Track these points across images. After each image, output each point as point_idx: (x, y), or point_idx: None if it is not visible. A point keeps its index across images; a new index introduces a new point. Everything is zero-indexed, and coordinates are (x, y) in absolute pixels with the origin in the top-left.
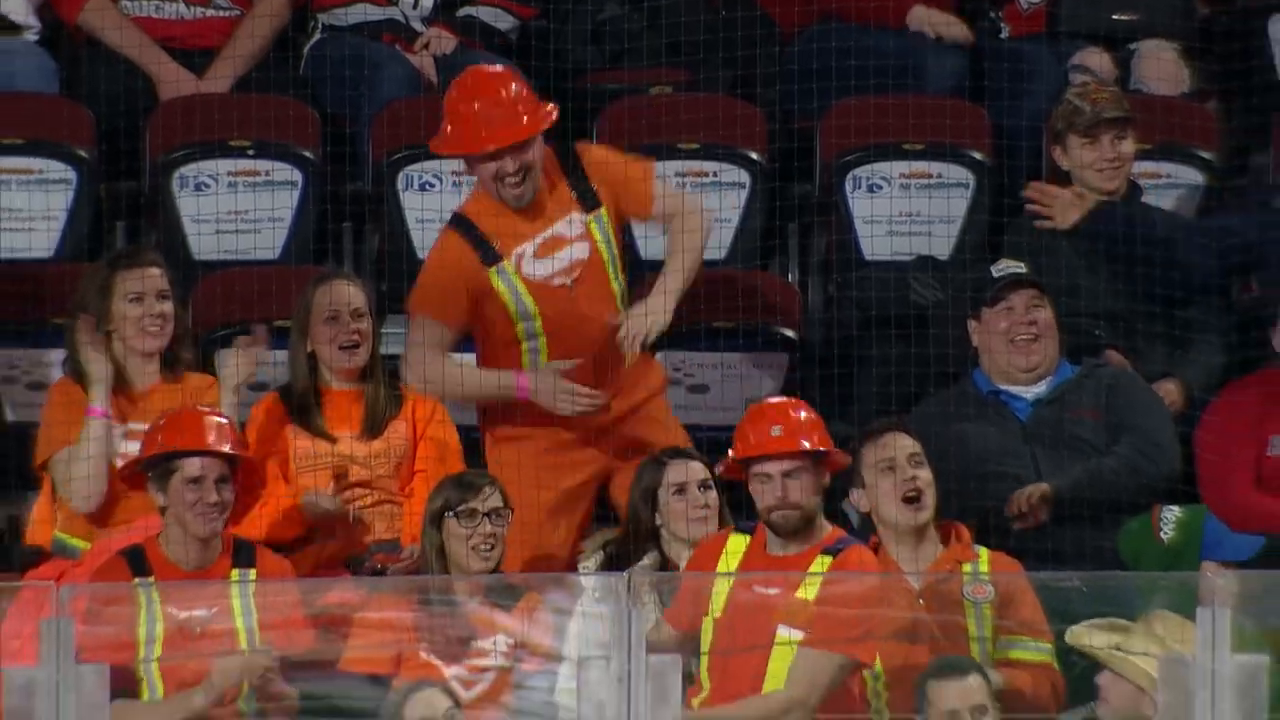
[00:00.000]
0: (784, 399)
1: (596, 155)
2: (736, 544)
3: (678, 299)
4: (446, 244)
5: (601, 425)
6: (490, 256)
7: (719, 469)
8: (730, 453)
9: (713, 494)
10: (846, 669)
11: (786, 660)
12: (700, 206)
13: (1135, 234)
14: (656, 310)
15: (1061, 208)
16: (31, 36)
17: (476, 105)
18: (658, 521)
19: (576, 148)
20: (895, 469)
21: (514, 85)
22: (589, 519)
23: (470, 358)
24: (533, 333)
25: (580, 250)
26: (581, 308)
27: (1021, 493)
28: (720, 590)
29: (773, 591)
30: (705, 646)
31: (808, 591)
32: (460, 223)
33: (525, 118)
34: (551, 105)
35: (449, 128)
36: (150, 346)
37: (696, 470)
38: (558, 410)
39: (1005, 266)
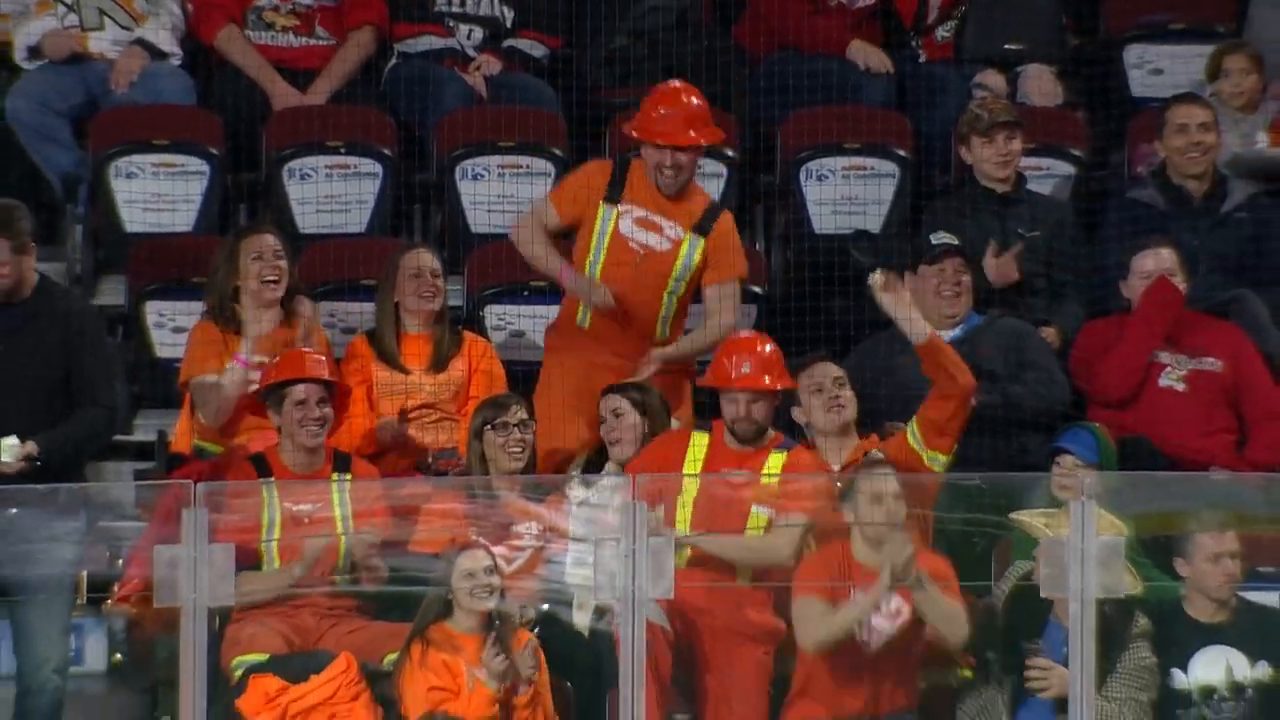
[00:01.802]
0: (754, 334)
1: (731, 223)
2: (700, 439)
3: (683, 357)
4: (598, 164)
5: (622, 370)
6: (615, 194)
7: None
8: (708, 376)
9: (635, 416)
10: (811, 528)
11: (760, 528)
12: (732, 324)
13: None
14: (665, 355)
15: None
16: (175, 61)
17: (664, 110)
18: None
19: (723, 209)
20: (823, 390)
21: (696, 100)
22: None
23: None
24: (593, 271)
25: (662, 246)
26: (633, 283)
27: None
28: (691, 484)
29: (740, 476)
30: (685, 528)
31: (769, 479)
32: (619, 160)
33: (696, 131)
34: (719, 129)
35: (641, 117)
36: (268, 296)
37: (616, 400)
38: (582, 295)
39: (942, 237)
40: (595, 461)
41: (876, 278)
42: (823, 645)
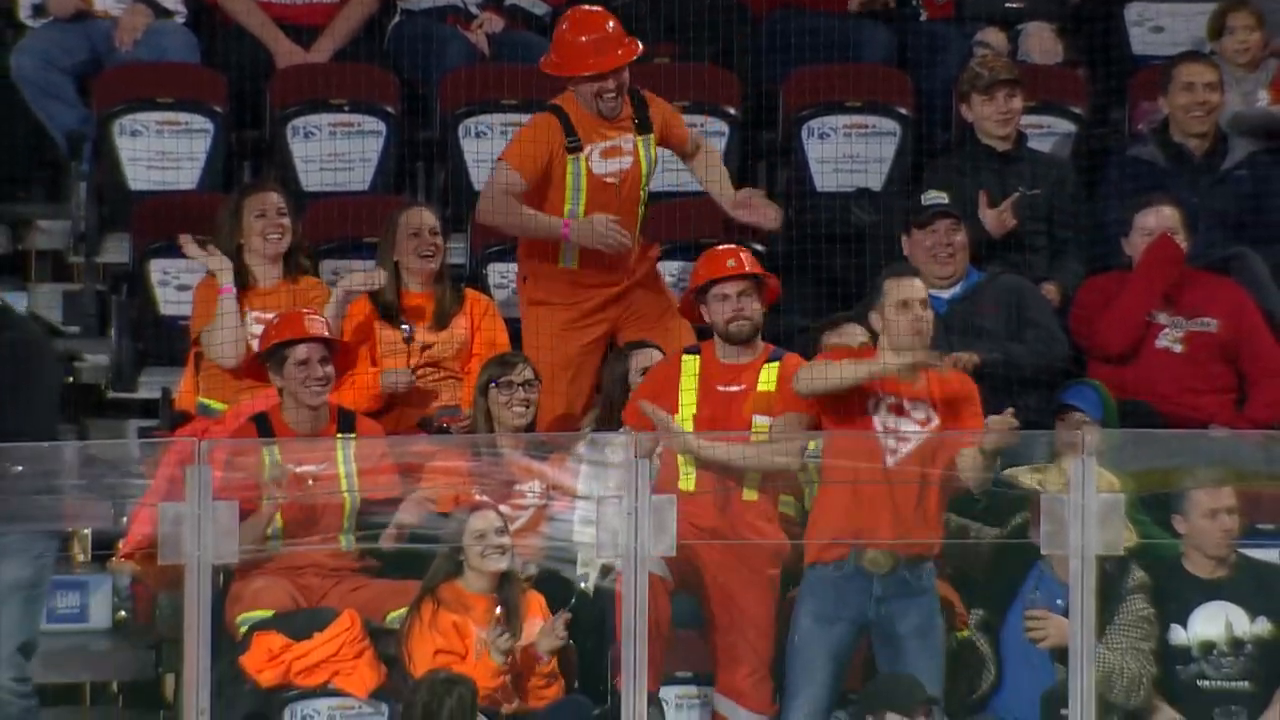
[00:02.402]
0: (731, 245)
1: (660, 101)
2: (690, 362)
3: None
4: (543, 120)
5: (611, 295)
6: (574, 144)
7: (678, 305)
8: (692, 282)
9: None
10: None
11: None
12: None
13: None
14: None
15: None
16: (179, 19)
17: (585, 37)
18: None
19: (643, 92)
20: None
21: (611, 22)
22: (598, 376)
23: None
24: (575, 215)
25: (627, 161)
26: (616, 205)
27: (958, 358)
28: (689, 389)
29: (736, 388)
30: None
31: (765, 387)
32: (557, 110)
33: (622, 49)
34: (633, 42)
35: (562, 54)
36: (272, 251)
37: (656, 356)
38: (596, 244)
39: (933, 197)
40: (606, 418)
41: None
42: (815, 390)
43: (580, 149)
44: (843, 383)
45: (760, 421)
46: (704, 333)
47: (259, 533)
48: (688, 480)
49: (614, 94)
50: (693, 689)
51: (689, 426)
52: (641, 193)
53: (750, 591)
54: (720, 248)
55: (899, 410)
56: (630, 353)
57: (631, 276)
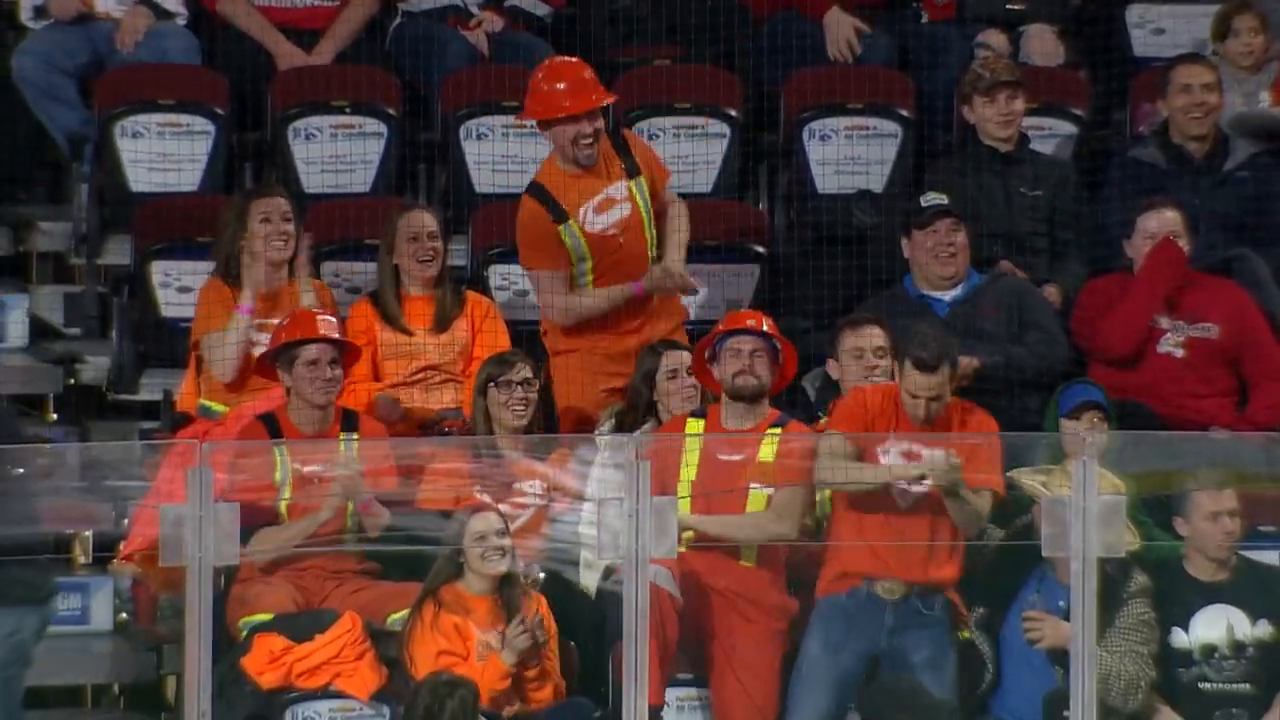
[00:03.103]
0: (755, 311)
1: (637, 139)
2: (695, 425)
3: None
4: (526, 208)
5: (640, 342)
6: (559, 215)
7: (691, 365)
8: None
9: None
10: (810, 498)
11: (760, 508)
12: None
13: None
14: (676, 259)
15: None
16: (181, 21)
17: (561, 84)
18: (655, 398)
19: (624, 132)
20: (862, 357)
21: (586, 71)
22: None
23: None
24: (584, 273)
25: (625, 209)
26: (627, 252)
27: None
28: (691, 461)
29: (737, 457)
30: (685, 507)
31: (765, 455)
32: (535, 189)
33: (596, 94)
34: (607, 91)
35: (537, 100)
36: (277, 257)
37: (686, 358)
38: (680, 290)
39: (932, 198)
40: (624, 425)
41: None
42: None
43: (566, 218)
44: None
45: (757, 493)
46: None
47: (281, 546)
48: (684, 544)
49: (590, 139)
50: (693, 691)
51: (686, 493)
52: (647, 235)
53: (752, 640)
54: (745, 310)
55: (912, 456)
56: (663, 351)
57: (657, 328)
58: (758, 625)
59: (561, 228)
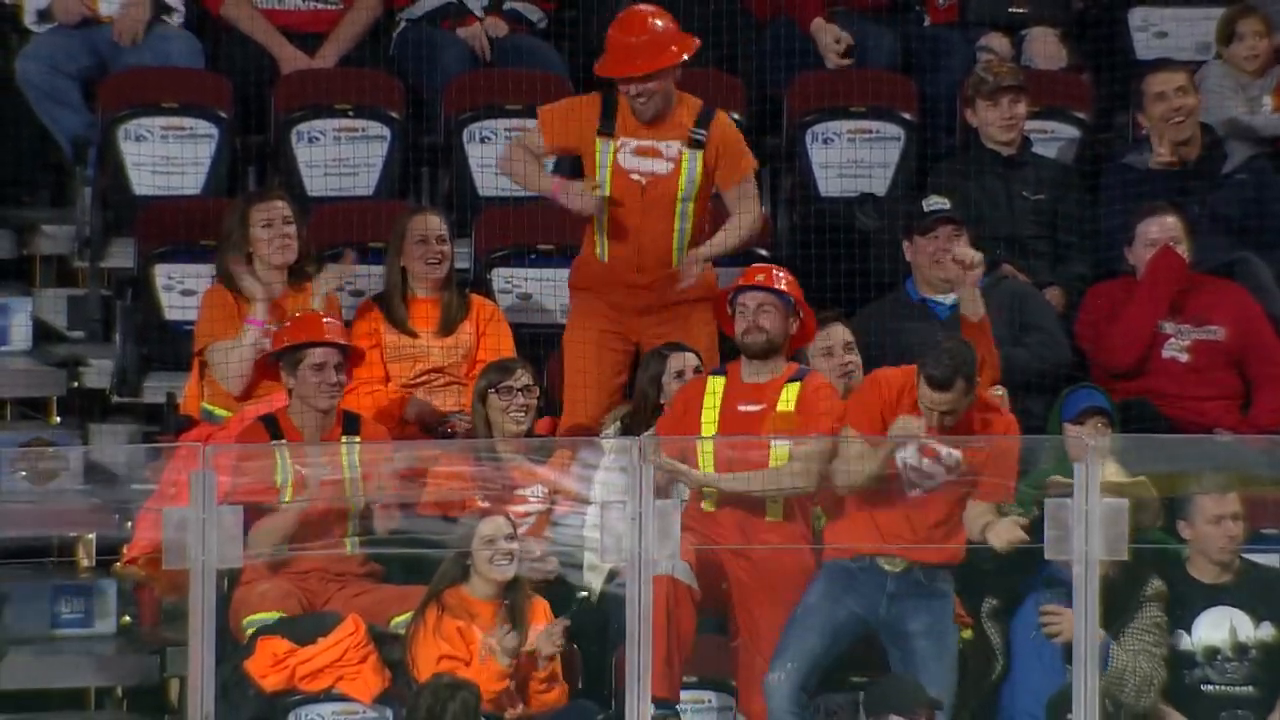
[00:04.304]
0: (771, 265)
1: (727, 125)
2: (715, 383)
3: (717, 254)
4: (588, 97)
5: (647, 304)
6: (608, 127)
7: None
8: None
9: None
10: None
11: (782, 460)
12: (759, 214)
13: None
14: (701, 254)
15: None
16: (179, 17)
17: (632, 38)
18: (661, 400)
19: (716, 111)
20: (832, 354)
21: (660, 21)
22: (622, 394)
23: None
24: (603, 211)
25: (663, 168)
26: (642, 209)
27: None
28: (710, 419)
29: (756, 408)
30: (708, 465)
31: (784, 407)
32: (607, 93)
33: (655, 56)
34: (679, 49)
35: (607, 54)
36: (279, 261)
37: (692, 360)
38: (573, 206)
39: (933, 202)
40: (630, 426)
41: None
42: (854, 489)
43: (613, 135)
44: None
45: (778, 446)
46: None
47: (278, 537)
48: (709, 502)
49: (643, 99)
50: (701, 694)
51: (709, 447)
52: (678, 205)
53: (773, 611)
54: (759, 265)
55: (929, 453)
56: (668, 354)
57: (663, 282)
58: (778, 591)
59: (599, 141)
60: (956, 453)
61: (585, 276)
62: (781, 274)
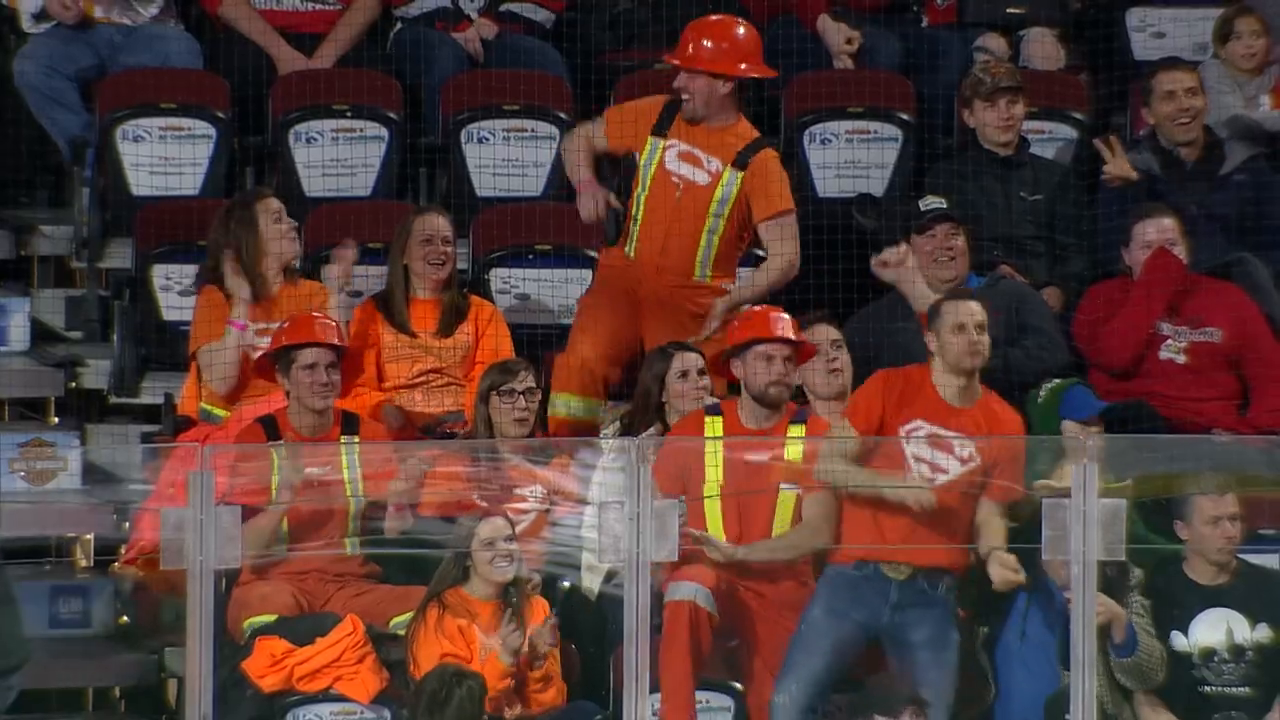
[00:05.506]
0: (776, 307)
1: (772, 159)
2: (713, 424)
3: (745, 300)
4: (651, 100)
5: (661, 303)
6: (662, 127)
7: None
8: (732, 338)
9: (706, 379)
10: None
11: (789, 507)
12: (793, 257)
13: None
14: (730, 301)
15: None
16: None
17: (706, 40)
18: (663, 399)
19: (767, 146)
20: (821, 353)
21: (741, 29)
22: (620, 370)
23: None
24: (640, 199)
25: (702, 179)
26: (674, 217)
27: None
28: (714, 466)
29: (764, 457)
30: (716, 525)
31: (791, 454)
32: (672, 98)
33: (721, 58)
34: (747, 68)
35: (681, 44)
36: (288, 255)
37: (697, 360)
38: (580, 205)
39: (930, 202)
40: (630, 426)
41: (877, 260)
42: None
43: (664, 135)
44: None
45: (786, 493)
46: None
47: (266, 537)
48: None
49: (687, 96)
50: (703, 694)
51: (716, 504)
52: (709, 219)
53: (776, 626)
54: (764, 309)
55: (940, 444)
56: (673, 353)
57: (681, 293)
58: (788, 613)
59: (650, 139)
60: (970, 446)
61: (612, 258)
62: (784, 317)
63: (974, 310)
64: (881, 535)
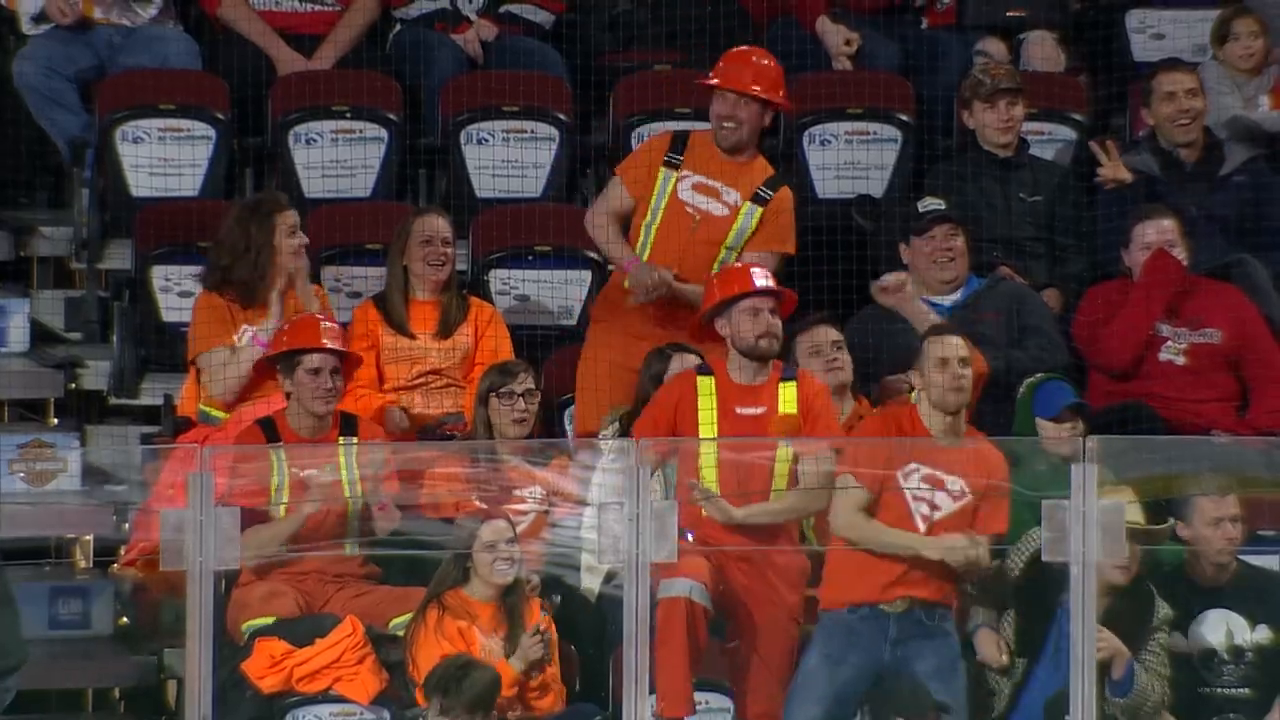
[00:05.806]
0: (745, 264)
1: (788, 199)
2: (705, 383)
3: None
4: (655, 139)
5: (662, 323)
6: (674, 160)
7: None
8: (711, 298)
9: None
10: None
11: (786, 461)
12: None
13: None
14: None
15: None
16: (153, 11)
17: (747, 61)
18: None
19: (785, 184)
20: (820, 353)
21: (769, 62)
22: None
23: None
24: (651, 229)
25: (718, 210)
26: (687, 241)
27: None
28: (707, 421)
29: (756, 411)
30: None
31: (786, 408)
32: (678, 132)
33: (759, 85)
34: (780, 101)
35: (721, 65)
36: (298, 271)
37: (693, 361)
38: (638, 288)
39: (929, 204)
40: (630, 427)
41: (876, 286)
42: (849, 541)
43: (678, 168)
44: (875, 540)
45: (783, 448)
46: None
47: (273, 545)
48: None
49: (731, 125)
50: (701, 695)
51: (712, 449)
52: (722, 251)
53: (772, 625)
54: (736, 265)
55: (935, 482)
56: (671, 354)
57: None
58: (782, 627)
59: (664, 171)
60: (961, 482)
61: (607, 309)
62: (757, 269)
63: (957, 345)
64: (874, 575)
